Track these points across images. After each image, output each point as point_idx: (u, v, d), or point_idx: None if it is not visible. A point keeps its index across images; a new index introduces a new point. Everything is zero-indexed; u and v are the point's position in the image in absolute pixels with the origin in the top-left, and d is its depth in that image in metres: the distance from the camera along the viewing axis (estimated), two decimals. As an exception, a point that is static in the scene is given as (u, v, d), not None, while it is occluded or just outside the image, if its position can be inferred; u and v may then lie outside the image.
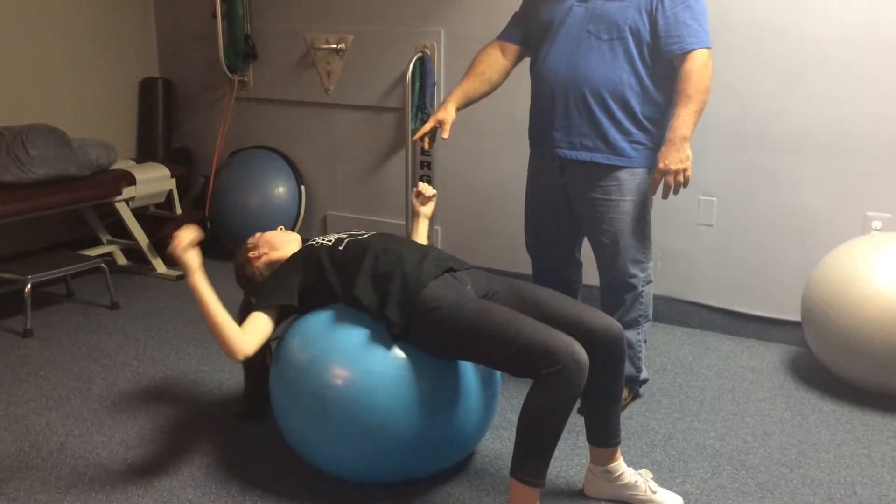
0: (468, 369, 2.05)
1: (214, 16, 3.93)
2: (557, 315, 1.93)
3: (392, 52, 3.67)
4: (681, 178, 2.29)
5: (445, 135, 2.50)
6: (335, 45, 3.82)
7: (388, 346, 1.98)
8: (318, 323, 2.09)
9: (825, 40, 2.82)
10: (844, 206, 2.92)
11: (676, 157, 2.27)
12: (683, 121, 2.26)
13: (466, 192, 3.68)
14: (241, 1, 3.98)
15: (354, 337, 2.01)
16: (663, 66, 2.34)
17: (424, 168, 3.75)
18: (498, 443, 2.37)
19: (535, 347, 1.76)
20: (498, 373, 2.17)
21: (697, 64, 2.27)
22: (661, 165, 2.28)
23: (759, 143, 3.01)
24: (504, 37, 2.60)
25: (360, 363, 1.97)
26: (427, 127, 2.52)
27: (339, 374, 1.96)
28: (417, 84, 3.58)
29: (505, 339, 1.80)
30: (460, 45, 3.50)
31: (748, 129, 3.03)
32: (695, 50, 2.27)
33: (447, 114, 2.51)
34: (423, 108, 3.61)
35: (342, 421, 1.96)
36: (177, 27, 4.30)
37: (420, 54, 3.57)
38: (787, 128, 2.94)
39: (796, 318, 2.91)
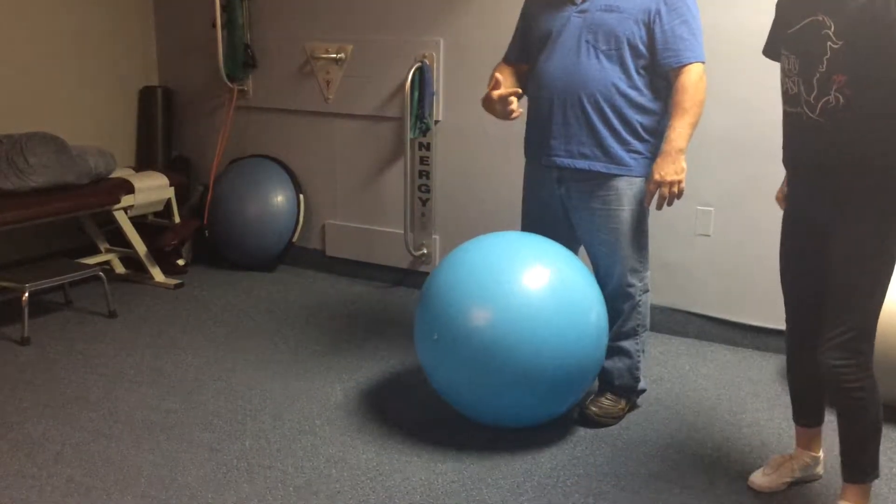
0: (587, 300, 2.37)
1: (214, 25, 3.95)
2: None
3: (391, 62, 3.69)
4: (675, 189, 2.31)
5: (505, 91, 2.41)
6: (335, 55, 3.83)
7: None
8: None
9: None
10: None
11: (672, 168, 2.29)
12: (679, 133, 2.29)
13: (465, 200, 3.68)
14: (240, 10, 3.99)
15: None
16: (660, 78, 2.37)
17: (423, 177, 3.75)
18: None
19: None
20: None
21: (693, 77, 2.31)
22: (656, 177, 2.31)
23: (757, 154, 3.02)
24: (508, 58, 2.61)
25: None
26: (500, 91, 2.39)
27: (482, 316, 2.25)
28: (416, 93, 3.59)
29: None
30: (459, 54, 3.52)
31: (747, 140, 3.04)
32: (690, 64, 2.31)
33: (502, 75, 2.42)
34: (422, 118, 3.62)
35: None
36: (177, 36, 4.31)
37: (419, 64, 3.58)
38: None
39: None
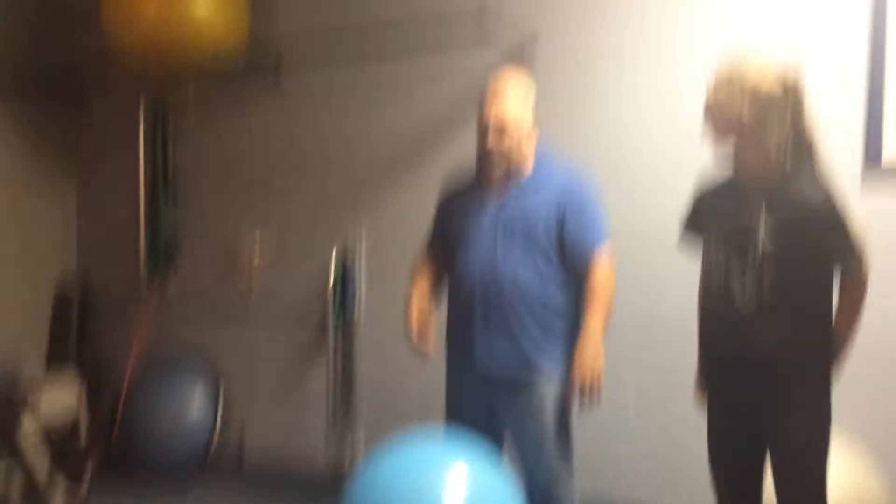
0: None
1: (137, 223, 3.97)
2: None
3: (315, 250, 3.72)
4: (596, 374, 2.32)
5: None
6: (258, 246, 3.86)
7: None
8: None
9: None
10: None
11: (589, 353, 2.32)
12: (593, 323, 2.36)
13: (390, 400, 3.57)
14: (164, 205, 4.04)
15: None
16: (572, 273, 2.46)
17: (347, 371, 3.67)
18: None
19: None
20: None
21: (603, 269, 2.42)
22: (575, 365, 2.33)
23: (668, 335, 3.04)
24: (428, 252, 2.69)
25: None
26: (418, 328, 2.52)
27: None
28: (340, 281, 3.62)
29: None
30: (382, 241, 3.59)
31: (658, 320, 3.09)
32: (600, 255, 2.43)
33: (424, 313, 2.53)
34: (344, 305, 3.62)
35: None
36: (98, 232, 4.29)
37: (342, 252, 3.64)
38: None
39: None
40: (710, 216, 2.11)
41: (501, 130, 2.43)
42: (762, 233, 1.92)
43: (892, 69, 2.68)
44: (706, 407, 2.18)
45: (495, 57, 3.26)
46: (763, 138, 1.92)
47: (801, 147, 1.95)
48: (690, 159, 2.93)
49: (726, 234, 2.01)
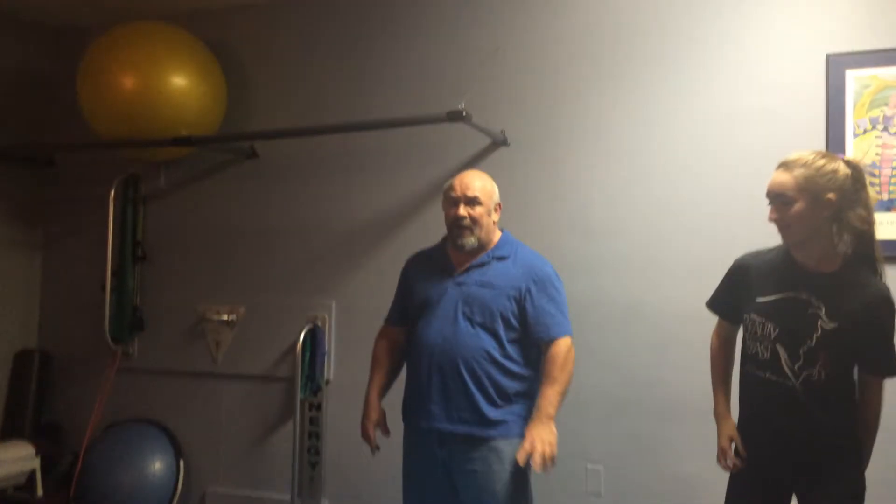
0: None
1: (103, 288, 3.93)
2: None
3: (283, 323, 3.73)
4: (547, 453, 2.33)
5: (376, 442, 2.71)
6: (226, 317, 3.85)
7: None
8: None
9: (684, 317, 3.07)
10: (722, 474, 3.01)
11: (541, 434, 2.35)
12: (549, 401, 2.41)
13: (356, 463, 3.56)
14: (132, 273, 4.01)
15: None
16: (531, 348, 2.53)
17: (313, 438, 3.65)
18: None
19: None
20: None
21: (562, 349, 2.48)
22: (527, 442, 2.35)
23: (637, 411, 3.13)
24: (392, 322, 2.76)
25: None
26: (372, 434, 2.68)
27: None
28: (308, 354, 3.61)
29: None
30: (351, 316, 3.61)
31: (627, 398, 3.16)
32: (559, 338, 2.49)
33: (379, 414, 2.67)
34: (312, 378, 3.61)
35: None
36: (62, 299, 4.24)
37: (311, 325, 3.64)
38: (664, 396, 3.10)
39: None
40: (759, 283, 2.13)
41: (472, 200, 2.54)
42: (822, 309, 1.99)
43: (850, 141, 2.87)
44: (734, 474, 2.20)
45: (469, 150, 3.42)
46: (795, 225, 2.01)
47: (861, 238, 2.03)
48: (659, 258, 3.08)
49: (779, 302, 2.06)
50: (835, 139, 2.88)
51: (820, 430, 2.01)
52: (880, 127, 2.85)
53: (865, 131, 2.86)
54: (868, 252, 2.03)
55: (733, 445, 2.17)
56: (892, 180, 2.82)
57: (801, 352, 1.99)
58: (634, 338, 3.16)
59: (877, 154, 2.84)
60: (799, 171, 1.98)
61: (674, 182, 3.11)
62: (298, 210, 3.77)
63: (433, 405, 2.51)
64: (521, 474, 2.50)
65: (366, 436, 2.68)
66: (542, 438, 2.33)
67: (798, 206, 1.98)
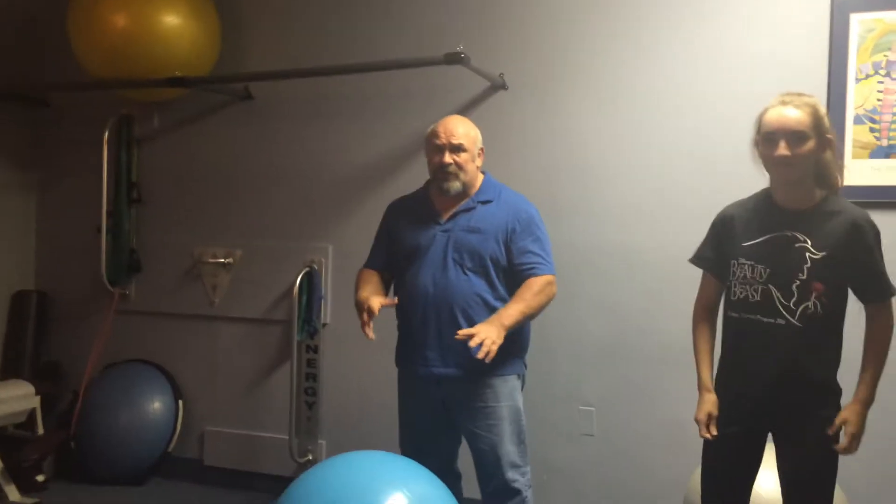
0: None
1: (99, 230, 3.93)
2: None
3: (280, 267, 3.74)
4: (488, 346, 2.32)
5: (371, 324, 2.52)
6: (223, 259, 3.86)
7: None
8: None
9: (681, 263, 3.08)
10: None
11: (490, 332, 2.34)
12: (509, 313, 2.46)
13: (353, 404, 3.63)
14: (127, 215, 4.00)
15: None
16: (517, 286, 2.56)
17: (310, 380, 3.70)
18: None
19: None
20: None
21: (542, 280, 2.53)
22: (473, 330, 2.34)
23: (632, 356, 3.17)
24: (374, 266, 2.76)
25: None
26: (367, 318, 2.51)
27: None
28: (305, 297, 3.63)
29: None
30: (347, 260, 3.60)
31: (619, 344, 3.19)
32: (543, 276, 2.54)
33: (374, 302, 2.51)
34: (309, 321, 3.63)
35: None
36: (58, 240, 4.23)
37: (308, 269, 3.65)
38: (657, 341, 3.13)
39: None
40: (744, 230, 2.15)
41: (456, 147, 2.56)
42: (809, 242, 2.02)
43: (850, 109, 2.86)
44: (721, 420, 2.21)
45: (467, 94, 3.38)
46: (800, 163, 2.03)
47: (827, 173, 2.09)
48: (658, 203, 3.07)
49: (765, 244, 2.09)
50: (836, 84, 2.86)
51: (809, 370, 2.03)
52: (882, 72, 2.82)
53: (867, 76, 2.83)
54: (833, 186, 2.10)
55: (710, 419, 2.21)
56: (893, 126, 2.81)
57: (793, 287, 2.01)
58: (631, 283, 3.18)
59: (878, 100, 2.82)
60: (808, 109, 2.01)
61: (674, 126, 3.09)
62: (295, 153, 3.75)
63: (429, 351, 2.55)
64: (516, 410, 2.59)
65: (368, 312, 2.50)
66: (489, 335, 2.33)
67: (810, 144, 2.01)
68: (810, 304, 2.01)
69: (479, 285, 2.53)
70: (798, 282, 2.01)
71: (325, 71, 3.45)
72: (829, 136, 2.04)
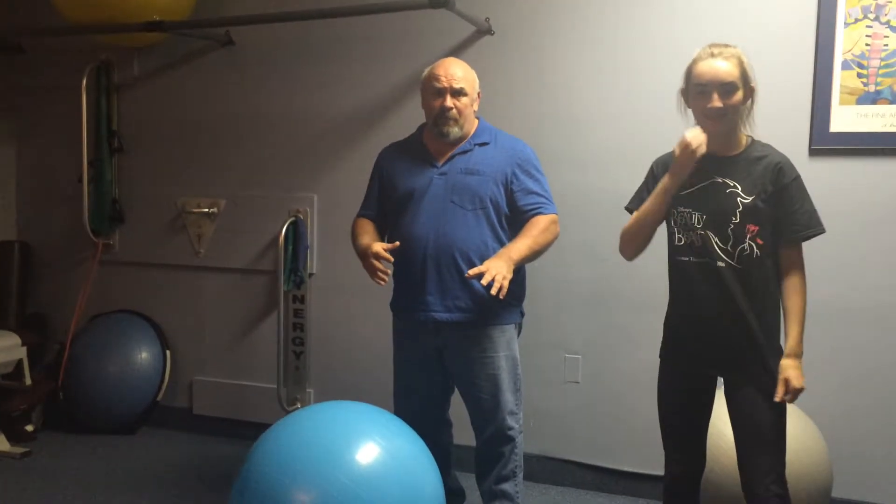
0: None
1: (80, 180, 3.88)
2: None
3: (265, 216, 3.71)
4: (500, 280, 2.30)
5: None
6: (207, 209, 3.83)
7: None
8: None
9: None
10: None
11: (499, 266, 2.34)
12: (517, 248, 2.46)
13: (340, 353, 3.65)
14: (109, 165, 3.95)
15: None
16: (520, 229, 2.54)
17: (297, 330, 3.71)
18: None
19: None
20: None
21: (546, 218, 2.53)
22: (483, 267, 2.32)
23: (616, 303, 3.19)
24: (367, 215, 2.72)
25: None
26: (378, 264, 2.46)
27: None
28: (290, 247, 3.62)
29: None
30: (333, 209, 3.60)
31: (605, 290, 3.21)
32: (546, 214, 2.54)
33: (378, 247, 2.46)
34: (296, 271, 3.62)
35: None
36: (39, 190, 4.18)
37: (293, 218, 3.63)
38: (641, 287, 3.14)
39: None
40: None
41: (458, 91, 2.52)
42: (739, 187, 2.08)
43: (839, 54, 2.84)
44: (667, 359, 2.26)
45: (453, 39, 3.32)
46: (731, 113, 2.09)
47: (750, 121, 2.17)
48: (645, 149, 3.05)
49: (699, 192, 2.13)
50: (825, 28, 2.83)
51: (750, 310, 2.08)
52: (871, 16, 2.78)
53: (857, 20, 2.80)
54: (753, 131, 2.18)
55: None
56: (881, 72, 2.79)
57: (728, 231, 2.08)
58: (616, 230, 3.16)
59: (866, 45, 2.79)
60: (735, 60, 2.08)
61: (661, 72, 3.05)
62: (277, 100, 3.69)
63: (429, 296, 2.52)
64: (513, 359, 2.59)
65: (375, 257, 2.45)
66: (499, 269, 2.32)
67: (739, 94, 2.08)
68: (746, 245, 2.07)
69: (480, 228, 2.50)
70: (732, 225, 2.08)
71: (307, 15, 3.38)
72: (752, 84, 2.12)
